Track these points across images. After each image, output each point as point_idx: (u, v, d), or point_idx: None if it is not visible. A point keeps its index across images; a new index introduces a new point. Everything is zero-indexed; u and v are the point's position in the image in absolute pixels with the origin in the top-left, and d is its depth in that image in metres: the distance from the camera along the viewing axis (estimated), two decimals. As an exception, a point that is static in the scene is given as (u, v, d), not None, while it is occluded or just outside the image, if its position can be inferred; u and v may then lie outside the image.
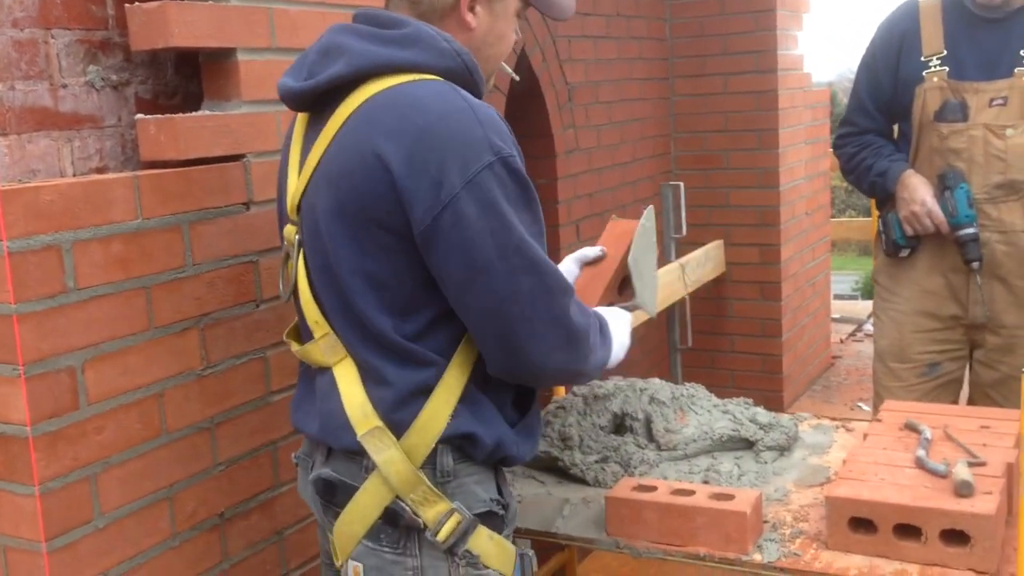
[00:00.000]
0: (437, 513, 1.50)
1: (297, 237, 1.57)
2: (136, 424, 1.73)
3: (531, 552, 1.64)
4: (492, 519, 1.56)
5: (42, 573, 1.59)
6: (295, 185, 1.56)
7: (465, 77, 1.50)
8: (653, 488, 1.83)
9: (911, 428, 1.95)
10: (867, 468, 1.78)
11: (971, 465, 1.73)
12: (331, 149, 1.48)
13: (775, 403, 4.60)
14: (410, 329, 1.48)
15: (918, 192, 2.62)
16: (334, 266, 1.48)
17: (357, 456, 1.52)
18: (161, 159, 1.83)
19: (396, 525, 1.50)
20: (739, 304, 4.81)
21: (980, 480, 1.67)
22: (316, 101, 1.53)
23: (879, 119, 2.81)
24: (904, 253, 2.73)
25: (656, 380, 2.28)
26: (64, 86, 1.78)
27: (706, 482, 1.93)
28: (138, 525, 1.74)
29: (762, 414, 2.16)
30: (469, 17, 1.56)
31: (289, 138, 1.64)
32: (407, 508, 1.49)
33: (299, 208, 1.55)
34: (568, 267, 1.97)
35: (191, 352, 1.83)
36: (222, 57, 1.92)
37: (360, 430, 1.49)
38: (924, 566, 1.61)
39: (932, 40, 2.64)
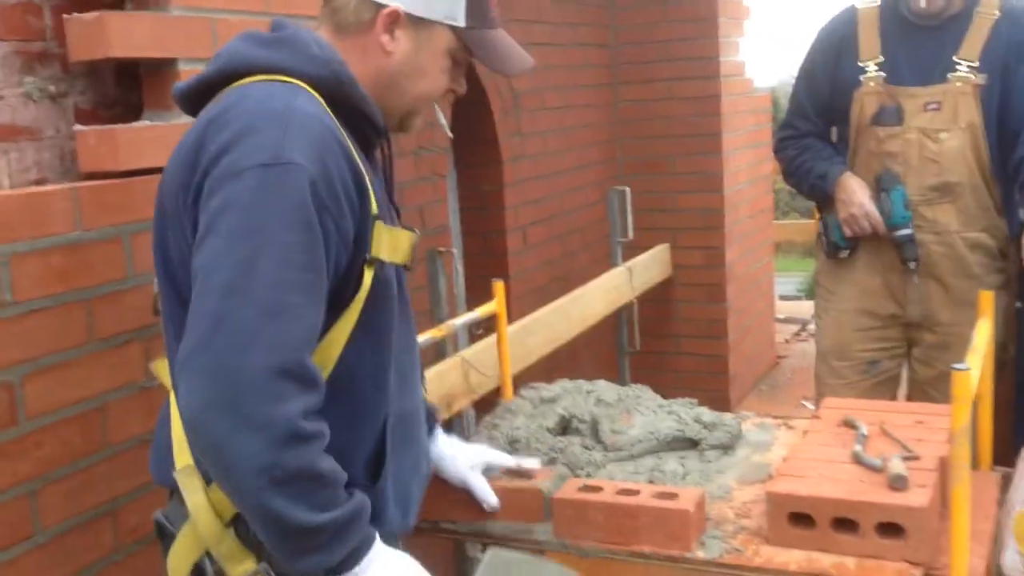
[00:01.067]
0: (244, 572, 1.35)
1: None
2: (77, 438, 1.71)
3: (481, 555, 1.60)
4: None
5: (-18, 591, 1.57)
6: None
7: (335, 89, 1.40)
8: (599, 488, 1.86)
9: (849, 424, 2.00)
10: (806, 464, 1.83)
11: (905, 459, 1.78)
12: (176, 148, 1.41)
13: (722, 403, 4.66)
14: None
15: (856, 194, 2.69)
16: (162, 276, 1.42)
17: (182, 499, 1.38)
18: (101, 170, 1.81)
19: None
20: (685, 306, 4.87)
21: (914, 474, 1.72)
22: (194, 103, 1.45)
23: (818, 123, 2.88)
24: (844, 254, 2.81)
25: (602, 382, 2.31)
26: (0, 97, 1.76)
27: (651, 482, 1.95)
28: (81, 540, 1.72)
29: (706, 413, 2.20)
30: (385, 39, 1.45)
31: None
32: (210, 568, 1.36)
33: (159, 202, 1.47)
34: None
35: (133, 364, 1.81)
36: (163, 67, 1.91)
37: (179, 463, 1.38)
38: (861, 558, 1.65)
39: (869, 46, 2.71)
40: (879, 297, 2.79)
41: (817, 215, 3.02)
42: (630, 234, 4.30)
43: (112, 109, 1.96)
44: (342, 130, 1.39)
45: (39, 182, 1.83)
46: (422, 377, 1.70)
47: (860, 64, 2.72)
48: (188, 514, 1.37)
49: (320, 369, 1.32)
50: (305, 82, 1.38)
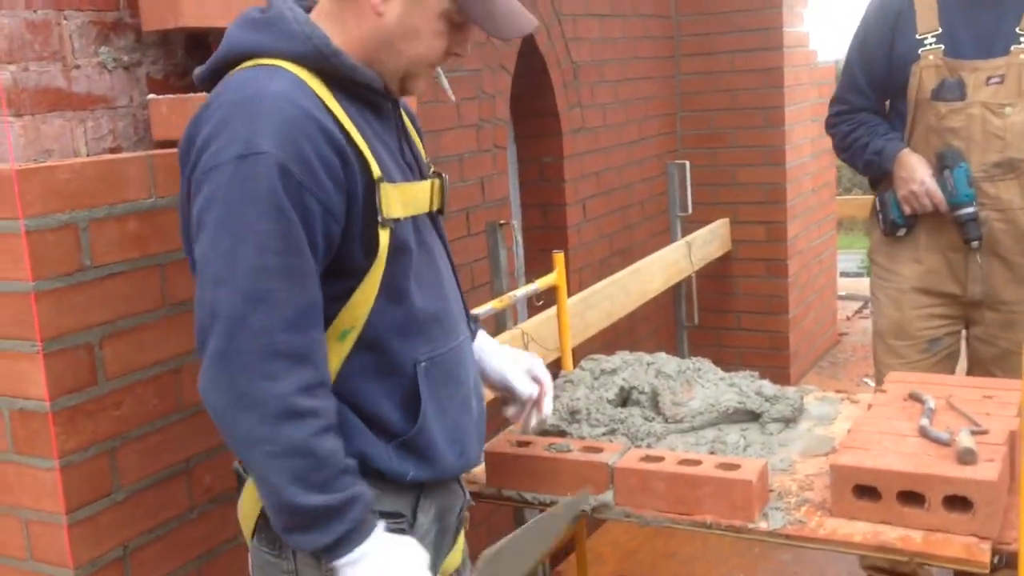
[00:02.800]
0: None
1: None
2: (153, 399, 1.76)
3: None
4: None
5: (63, 545, 1.62)
6: None
7: (320, 62, 1.40)
8: (660, 459, 1.86)
9: (915, 398, 1.98)
10: (871, 437, 1.81)
11: (974, 433, 1.75)
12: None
13: (782, 379, 4.60)
14: None
15: (916, 171, 2.63)
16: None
17: None
18: (173, 138, 1.85)
19: (270, 527, 1.42)
20: (745, 282, 4.83)
21: (983, 448, 1.70)
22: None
23: (872, 97, 2.80)
24: (902, 232, 2.75)
25: (662, 354, 2.31)
26: (77, 67, 1.81)
27: (712, 453, 1.96)
28: (156, 498, 1.77)
29: (768, 387, 2.19)
30: (376, 1, 1.43)
31: None
32: None
33: None
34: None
35: (205, 329, 1.86)
36: (232, 37, 1.94)
37: None
38: (927, 532, 1.64)
39: (927, 18, 2.63)
40: (940, 276, 2.72)
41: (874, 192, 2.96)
42: (689, 208, 4.27)
43: (183, 79, 1.99)
44: (333, 101, 1.40)
45: (114, 150, 1.87)
46: (468, 315, 1.72)
47: (918, 37, 2.63)
48: None
49: (348, 329, 1.42)
50: (289, 61, 1.40)
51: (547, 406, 1.84)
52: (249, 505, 1.48)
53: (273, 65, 1.39)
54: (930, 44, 2.62)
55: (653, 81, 4.53)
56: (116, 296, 1.69)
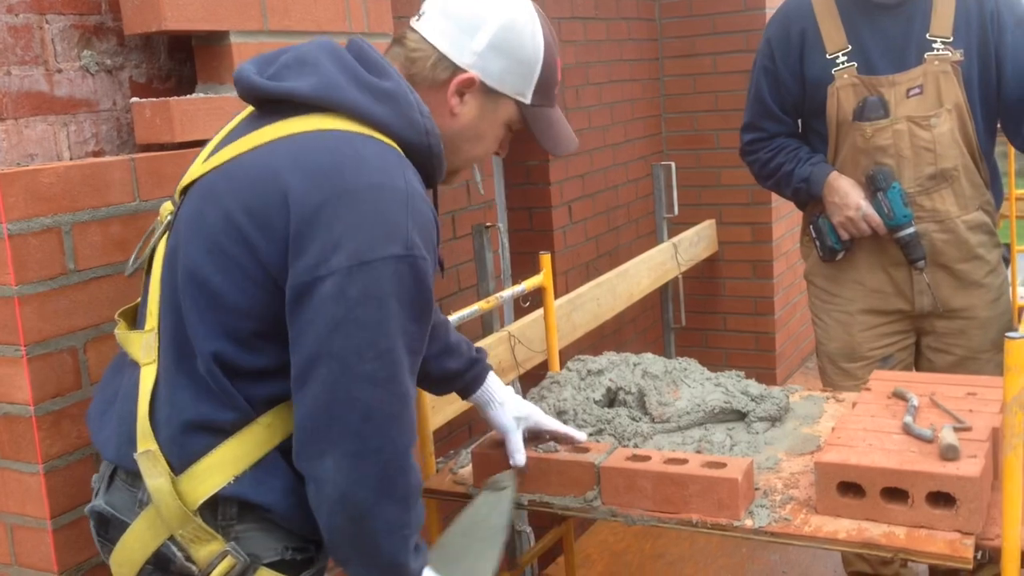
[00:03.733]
0: (210, 553, 1.35)
1: (169, 217, 1.47)
2: (138, 403, 1.75)
3: (528, 528, 1.63)
4: (285, 566, 1.41)
5: (48, 550, 1.62)
6: (195, 168, 1.47)
7: (424, 158, 1.42)
8: (647, 458, 1.87)
9: (899, 396, 1.99)
10: (855, 435, 1.82)
11: (957, 430, 1.77)
12: (247, 156, 1.38)
13: (768, 380, 4.59)
14: (235, 361, 1.34)
15: (850, 196, 2.55)
16: (191, 271, 1.36)
17: (135, 484, 1.39)
18: (156, 142, 1.85)
19: (166, 571, 1.37)
20: (732, 283, 4.84)
21: (966, 444, 1.71)
22: (265, 103, 1.44)
23: (787, 121, 2.71)
24: (840, 256, 2.67)
25: (649, 355, 2.32)
26: (59, 71, 1.80)
27: (699, 452, 1.96)
28: (141, 502, 1.77)
29: (753, 386, 2.20)
30: (455, 101, 1.47)
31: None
32: (179, 552, 1.35)
33: (184, 191, 1.46)
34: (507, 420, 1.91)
35: (190, 332, 1.86)
36: (215, 40, 1.94)
37: (141, 447, 1.36)
38: (911, 528, 1.65)
39: (834, 36, 2.55)
40: (885, 295, 2.66)
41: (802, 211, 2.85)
42: (675, 210, 4.29)
43: (166, 82, 1.99)
44: None
45: (97, 154, 1.87)
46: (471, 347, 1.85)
47: (829, 57, 2.53)
48: (143, 499, 1.38)
49: None
50: (397, 143, 1.39)
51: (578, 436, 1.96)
52: (133, 548, 1.38)
53: (392, 146, 1.38)
54: (842, 63, 2.53)
55: (638, 83, 4.55)
56: (100, 300, 1.69)
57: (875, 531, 1.67)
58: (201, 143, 1.87)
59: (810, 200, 2.70)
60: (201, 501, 1.35)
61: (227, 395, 1.35)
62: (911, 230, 2.52)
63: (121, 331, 1.49)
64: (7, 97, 1.72)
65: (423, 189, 1.39)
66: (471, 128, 1.51)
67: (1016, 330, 1.60)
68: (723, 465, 1.80)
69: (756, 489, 1.84)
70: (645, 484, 1.82)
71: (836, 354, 2.77)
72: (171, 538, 1.36)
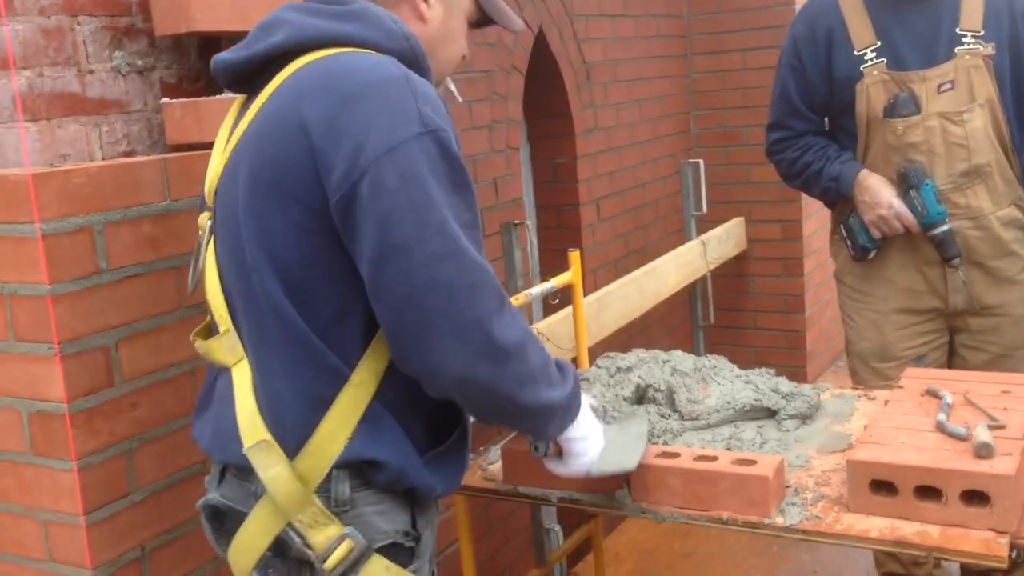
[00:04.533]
0: (327, 538, 1.37)
1: (209, 223, 1.48)
2: (170, 400, 1.77)
3: (557, 527, 1.63)
4: (396, 551, 1.43)
5: (81, 546, 1.64)
6: (212, 170, 1.48)
7: (412, 61, 1.41)
8: (676, 455, 1.86)
9: (932, 394, 1.97)
10: (888, 433, 1.80)
11: (991, 428, 1.74)
12: (255, 121, 1.39)
13: (798, 378, 4.57)
14: (315, 323, 1.35)
15: (881, 195, 2.52)
16: (243, 247, 1.36)
17: (249, 478, 1.41)
18: (187, 142, 1.87)
19: (285, 557, 1.40)
20: (761, 281, 4.81)
21: (1000, 442, 1.69)
22: (251, 77, 1.45)
23: (815, 119, 2.68)
24: (872, 255, 2.63)
25: (678, 352, 2.30)
26: (91, 72, 1.83)
27: (729, 449, 1.95)
28: (173, 499, 1.79)
29: (784, 384, 2.18)
30: (423, 7, 1.50)
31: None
32: (297, 537, 1.38)
33: (216, 192, 1.47)
34: None
35: (220, 330, 1.87)
36: (244, 41, 1.95)
37: (247, 442, 1.37)
38: (944, 527, 1.63)
39: (862, 32, 2.51)
40: (918, 293, 2.61)
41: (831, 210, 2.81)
42: (704, 207, 4.26)
43: (196, 83, 2.01)
44: None
45: (128, 154, 1.89)
46: None
47: (857, 54, 2.50)
48: (257, 492, 1.40)
49: None
50: (382, 53, 1.40)
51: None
52: (253, 537, 1.41)
53: (372, 53, 1.38)
54: (871, 60, 2.50)
55: (666, 80, 4.53)
56: (132, 298, 1.71)
57: (908, 529, 1.65)
58: (231, 143, 1.89)
59: (840, 199, 2.66)
60: (320, 477, 1.36)
61: (320, 363, 1.35)
62: (945, 227, 2.48)
63: (200, 343, 1.52)
64: (40, 98, 1.74)
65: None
66: (443, 28, 1.53)
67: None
68: (753, 462, 1.79)
69: (787, 487, 1.82)
70: (675, 481, 1.81)
71: (868, 354, 2.73)
72: (289, 525, 1.38)
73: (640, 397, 2.18)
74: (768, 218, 4.72)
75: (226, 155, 1.45)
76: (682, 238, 4.36)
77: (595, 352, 2.62)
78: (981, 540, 1.59)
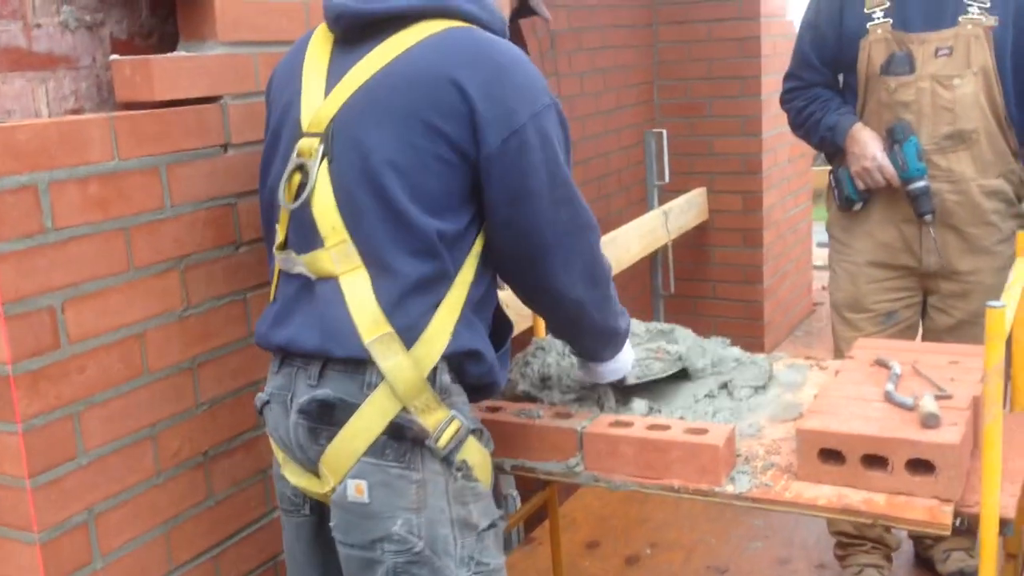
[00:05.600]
0: (437, 420, 1.57)
1: (321, 148, 1.59)
2: (118, 364, 1.75)
3: (514, 492, 1.71)
4: (477, 435, 1.66)
5: (27, 508, 1.61)
6: (326, 101, 1.60)
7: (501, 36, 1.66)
8: (629, 424, 1.87)
9: (882, 364, 1.99)
10: (837, 402, 1.82)
11: (938, 398, 1.77)
12: (392, 70, 1.57)
13: (756, 348, 4.60)
14: (442, 237, 1.56)
15: (868, 147, 2.62)
16: (384, 179, 1.54)
17: (358, 371, 1.56)
18: (137, 100, 1.83)
19: (402, 439, 1.56)
20: (721, 251, 4.84)
21: (946, 412, 1.71)
22: (367, 28, 1.61)
23: (825, 72, 2.79)
24: (857, 207, 2.74)
25: (632, 320, 2.31)
26: (38, 26, 1.77)
27: (681, 418, 1.96)
28: (122, 463, 1.76)
29: (737, 353, 2.20)
30: None
31: (298, 58, 1.68)
32: (414, 419, 1.55)
33: (331, 123, 1.59)
34: None
35: (172, 293, 1.84)
36: (197, -3, 1.91)
37: (368, 336, 1.54)
38: (890, 495, 1.66)
39: None
40: (894, 250, 2.73)
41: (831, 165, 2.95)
42: (667, 177, 4.27)
43: (148, 39, 1.96)
44: None
45: (76, 111, 1.85)
46: None
47: (866, 11, 2.62)
48: (371, 381, 1.56)
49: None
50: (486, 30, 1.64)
51: None
52: (368, 423, 1.56)
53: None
54: (878, 18, 2.61)
55: (631, 50, 4.51)
56: (79, 259, 1.67)
57: (855, 497, 1.67)
58: (183, 102, 1.85)
59: (834, 149, 2.76)
60: (431, 366, 1.56)
61: (439, 269, 1.57)
62: (922, 184, 2.58)
63: (301, 256, 1.63)
64: (-17, 52, 1.69)
65: None
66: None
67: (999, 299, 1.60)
68: (705, 431, 1.80)
69: (738, 455, 1.84)
70: (627, 450, 1.82)
71: (842, 304, 2.87)
72: (404, 410, 1.55)
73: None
74: (729, 189, 4.74)
75: (346, 92, 1.59)
76: (644, 208, 4.37)
77: (553, 320, 2.62)
78: (926, 508, 1.62)
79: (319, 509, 1.70)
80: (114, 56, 1.85)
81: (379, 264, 1.56)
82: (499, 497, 2.87)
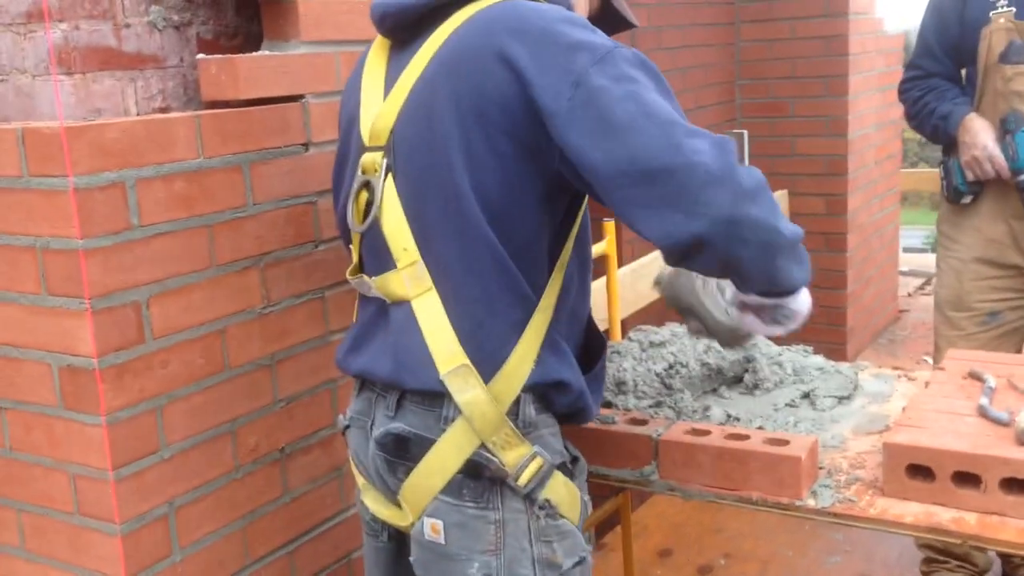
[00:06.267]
0: (518, 456, 1.47)
1: (385, 161, 1.49)
2: (199, 359, 1.77)
3: (587, 498, 1.65)
4: (564, 471, 1.55)
5: (109, 500, 1.65)
6: (382, 110, 1.50)
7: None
8: (707, 432, 1.82)
9: (975, 377, 1.91)
10: (927, 416, 1.75)
11: (1036, 414, 1.69)
12: (436, 60, 1.44)
13: (839, 355, 4.53)
14: (510, 250, 1.42)
15: (979, 136, 2.56)
16: (448, 177, 1.41)
17: (434, 404, 1.48)
18: (222, 99, 1.85)
19: (479, 477, 1.47)
20: (803, 255, 4.72)
21: (1045, 430, 1.63)
22: (414, 23, 1.50)
23: (946, 63, 2.74)
24: (966, 200, 2.68)
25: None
26: (127, 26, 1.81)
27: (760, 428, 1.91)
28: (202, 457, 1.79)
29: (821, 361, 2.13)
30: None
31: (360, 70, 1.60)
32: (493, 457, 1.45)
33: (392, 133, 1.49)
34: None
35: (252, 290, 1.86)
36: (282, -3, 1.93)
37: (444, 368, 1.44)
38: (983, 514, 1.59)
39: None
40: (1002, 246, 2.66)
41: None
42: (747, 179, 4.18)
43: (233, 39, 1.99)
44: None
45: (163, 110, 1.88)
46: None
47: (990, 0, 2.58)
48: (448, 415, 1.46)
49: (565, 257, 1.51)
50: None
51: None
52: (444, 460, 1.47)
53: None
54: (1001, 7, 2.56)
55: (712, 48, 4.43)
56: (163, 256, 1.70)
57: (944, 516, 1.60)
58: (266, 101, 1.87)
59: (947, 140, 2.71)
60: (512, 399, 1.46)
61: (516, 290, 1.44)
62: None
63: (371, 280, 1.55)
64: (76, 52, 1.73)
65: None
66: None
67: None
68: (786, 443, 1.75)
69: (820, 468, 1.79)
70: (704, 459, 1.78)
71: (944, 301, 2.80)
72: (482, 446, 1.46)
73: (670, 373, 2.14)
74: (812, 191, 4.63)
75: (401, 96, 1.48)
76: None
77: (628, 324, 2.59)
78: (1019, 529, 1.55)
79: (399, 537, 1.63)
80: (201, 55, 1.88)
81: (451, 286, 1.45)
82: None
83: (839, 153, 4.55)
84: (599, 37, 1.39)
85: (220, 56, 1.85)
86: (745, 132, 4.18)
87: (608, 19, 1.69)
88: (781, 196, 4.59)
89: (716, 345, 2.16)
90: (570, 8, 1.51)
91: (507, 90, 1.37)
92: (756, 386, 2.10)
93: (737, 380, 2.15)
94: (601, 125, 1.32)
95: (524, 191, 1.42)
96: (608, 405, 2.06)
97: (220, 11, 1.96)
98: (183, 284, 1.74)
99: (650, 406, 2.02)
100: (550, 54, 1.35)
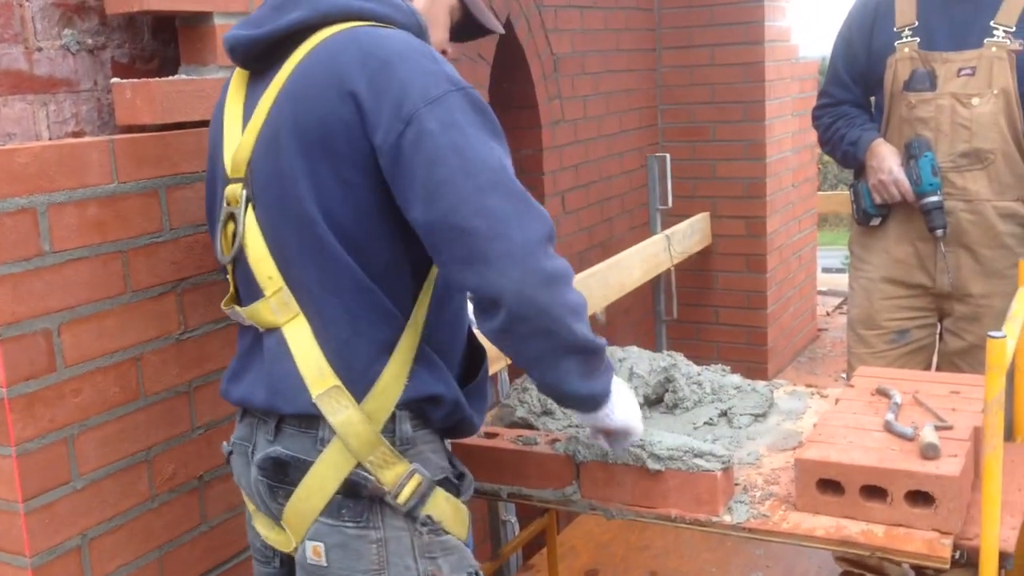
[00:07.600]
0: (396, 475, 1.47)
1: (245, 192, 1.51)
2: (113, 387, 1.74)
3: (514, 519, 1.65)
4: (448, 486, 1.56)
5: (20, 532, 1.61)
6: (241, 142, 1.51)
7: (418, 35, 1.51)
8: (626, 451, 1.85)
9: (882, 393, 1.98)
10: (837, 432, 1.81)
11: (938, 429, 1.75)
12: (285, 91, 1.46)
13: (759, 374, 4.63)
14: (371, 272, 1.45)
15: (886, 161, 2.66)
16: (299, 206, 1.43)
17: (310, 427, 1.48)
18: (137, 123, 1.83)
19: (358, 497, 1.47)
20: (724, 276, 4.82)
21: (946, 443, 1.70)
22: (265, 53, 1.51)
23: (855, 90, 2.84)
24: (875, 222, 2.78)
25: (634, 348, 2.30)
26: (39, 49, 1.78)
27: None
28: (116, 487, 1.75)
29: (737, 380, 2.18)
30: None
31: (222, 102, 1.60)
32: (370, 476, 1.46)
33: (248, 164, 1.50)
34: None
35: (169, 316, 1.84)
36: (199, 21, 1.92)
37: (316, 390, 1.45)
38: (889, 526, 1.64)
39: (905, 12, 2.68)
40: (908, 267, 2.75)
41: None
42: (669, 202, 4.26)
43: (149, 63, 1.97)
44: None
45: (77, 134, 1.85)
46: None
47: (895, 30, 2.68)
48: (324, 438, 1.47)
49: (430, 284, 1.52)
50: (396, 28, 1.50)
51: None
52: (322, 482, 1.47)
53: (391, 27, 1.49)
54: (906, 37, 2.65)
55: (634, 74, 4.52)
56: (76, 282, 1.67)
57: (853, 529, 1.66)
58: (182, 125, 1.85)
59: (856, 164, 2.81)
60: (386, 417, 1.47)
61: (380, 309, 1.46)
62: (936, 199, 2.61)
63: (242, 309, 1.56)
64: (-16, 75, 1.69)
65: None
66: (428, 12, 1.61)
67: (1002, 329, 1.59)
68: (703, 460, 1.79)
69: (736, 484, 1.83)
70: (624, 478, 1.81)
71: (856, 320, 2.89)
72: (359, 466, 1.46)
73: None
74: (733, 214, 4.74)
75: (253, 130, 1.49)
76: (647, 232, 4.36)
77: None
78: (925, 541, 1.60)
79: (290, 562, 1.60)
80: (115, 79, 1.85)
81: (314, 309, 1.47)
82: (497, 523, 2.85)
83: (758, 176, 4.66)
84: (439, 74, 1.41)
85: (135, 80, 1.83)
86: (667, 155, 4.25)
87: (471, 28, 1.73)
88: (702, 219, 4.69)
89: (638, 369, 2.20)
90: (422, 30, 1.54)
91: (350, 120, 1.40)
92: (676, 405, 2.14)
93: (658, 400, 2.19)
94: (421, 177, 1.37)
95: (378, 218, 1.44)
96: (530, 427, 2.08)
97: (136, 35, 1.94)
98: (96, 311, 1.71)
99: (571, 427, 2.04)
100: (385, 87, 1.38)
